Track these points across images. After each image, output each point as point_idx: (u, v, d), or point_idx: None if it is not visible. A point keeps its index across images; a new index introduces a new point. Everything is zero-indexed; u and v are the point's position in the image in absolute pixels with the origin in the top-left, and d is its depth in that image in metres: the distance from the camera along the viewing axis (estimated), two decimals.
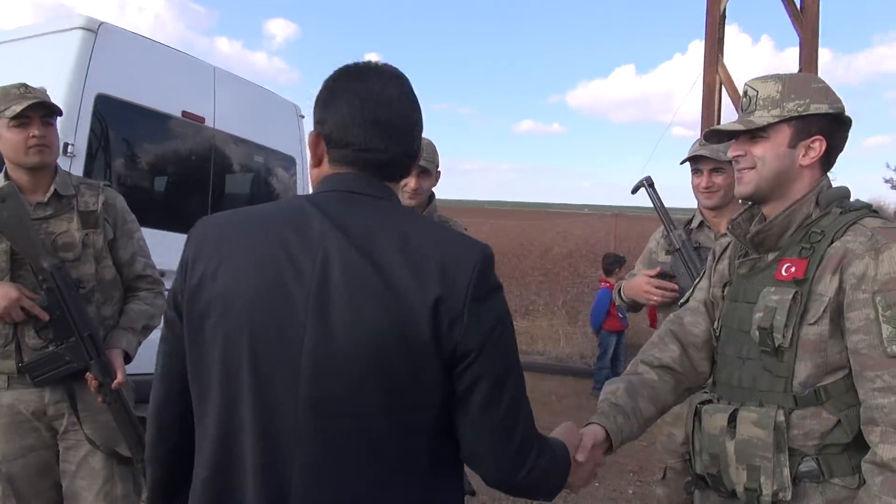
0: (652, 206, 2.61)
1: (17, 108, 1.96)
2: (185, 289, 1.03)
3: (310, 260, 0.96)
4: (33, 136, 1.98)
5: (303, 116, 5.05)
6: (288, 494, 0.94)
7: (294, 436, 0.94)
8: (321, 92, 1.08)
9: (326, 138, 1.06)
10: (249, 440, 0.96)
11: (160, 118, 3.98)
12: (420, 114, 1.10)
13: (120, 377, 1.94)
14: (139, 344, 2.11)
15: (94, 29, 3.64)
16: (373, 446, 0.94)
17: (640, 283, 2.47)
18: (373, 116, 1.03)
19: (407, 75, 1.10)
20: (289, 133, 4.92)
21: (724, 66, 6.08)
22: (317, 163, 1.08)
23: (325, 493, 0.94)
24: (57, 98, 3.60)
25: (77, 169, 3.40)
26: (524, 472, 1.02)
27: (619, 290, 2.63)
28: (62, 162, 3.53)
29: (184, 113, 4.09)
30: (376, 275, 0.93)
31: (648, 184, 2.63)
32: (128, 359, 2.04)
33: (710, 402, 1.44)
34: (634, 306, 2.64)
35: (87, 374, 1.91)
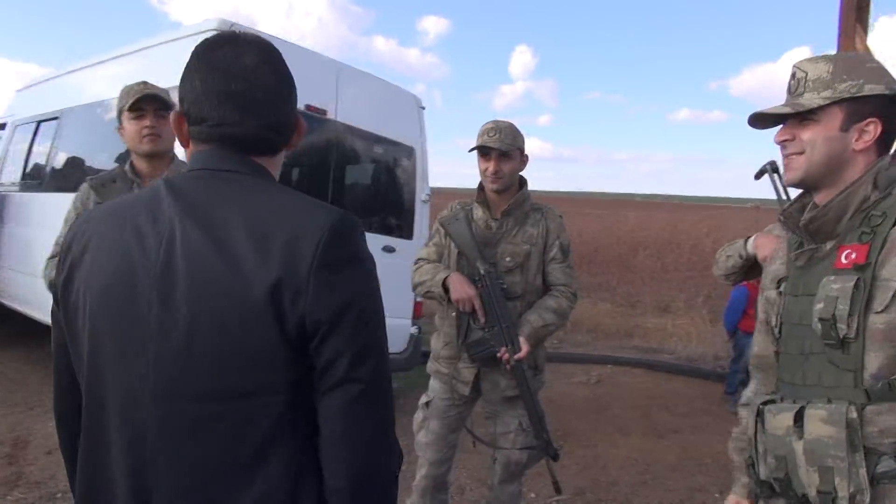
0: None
1: (132, 100, 2.21)
2: (59, 284, 1.01)
3: (156, 241, 0.93)
4: (146, 126, 2.21)
5: (423, 108, 5.13)
6: (149, 486, 0.91)
7: (150, 426, 0.91)
8: (184, 69, 1.01)
9: (186, 116, 1.01)
10: (114, 432, 0.94)
11: None
12: (288, 84, 1.03)
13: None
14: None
15: (227, 30, 3.94)
16: (224, 434, 0.89)
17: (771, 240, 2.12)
18: (224, 87, 0.97)
19: (278, 47, 1.03)
20: (409, 124, 5.03)
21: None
22: (185, 143, 1.03)
23: (180, 481, 0.91)
24: None
25: None
26: (382, 460, 0.95)
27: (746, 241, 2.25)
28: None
29: (308, 106, 4.31)
30: (217, 253, 0.89)
31: (772, 169, 2.36)
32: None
33: (772, 401, 1.33)
34: (745, 272, 2.27)
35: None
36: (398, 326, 4.88)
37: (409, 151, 5.00)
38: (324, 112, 4.41)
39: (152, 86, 2.28)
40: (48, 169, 5.37)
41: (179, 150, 3.15)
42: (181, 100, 1.01)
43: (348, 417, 0.91)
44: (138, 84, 2.27)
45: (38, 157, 5.67)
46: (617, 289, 10.74)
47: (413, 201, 5.01)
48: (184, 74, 1.00)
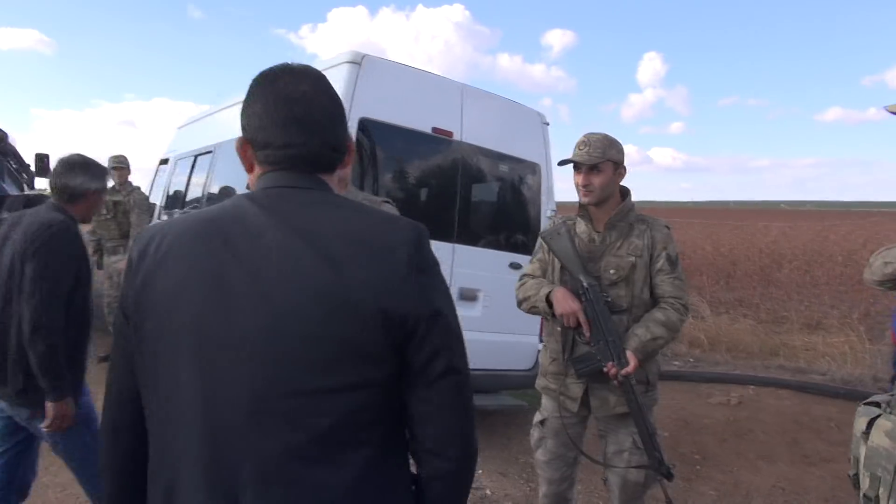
0: None
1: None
2: (130, 293, 1.04)
3: (252, 251, 0.98)
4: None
5: (547, 124, 5.14)
6: (239, 489, 0.94)
7: (244, 428, 0.95)
8: (244, 99, 1.10)
9: (251, 142, 1.09)
10: (195, 438, 0.97)
11: (413, 135, 4.40)
12: (340, 107, 1.13)
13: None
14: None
15: (358, 61, 4.17)
16: (323, 429, 0.95)
17: None
18: (288, 113, 1.06)
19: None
20: (533, 141, 5.05)
21: None
22: (249, 167, 1.12)
23: (278, 481, 0.94)
24: None
25: None
26: (476, 443, 1.08)
27: None
28: None
29: (434, 129, 4.47)
30: (318, 259, 0.96)
31: None
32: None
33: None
34: None
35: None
36: (525, 343, 4.89)
37: (534, 168, 5.02)
38: (450, 134, 4.54)
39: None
40: (204, 199, 5.90)
41: None
42: (244, 128, 1.11)
43: (457, 405, 1.03)
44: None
45: (196, 187, 6.25)
46: (759, 304, 10.07)
47: (538, 217, 5.01)
48: (244, 105, 1.10)
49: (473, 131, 4.64)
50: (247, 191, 1.11)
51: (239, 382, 0.96)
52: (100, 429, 1.13)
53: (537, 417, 2.67)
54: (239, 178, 5.51)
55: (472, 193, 4.82)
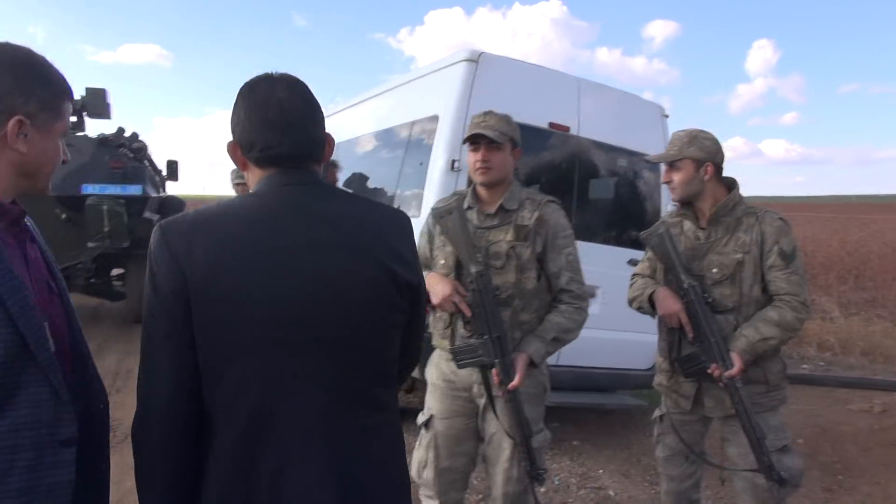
0: None
1: (468, 134, 2.40)
2: (188, 284, 1.12)
3: (295, 237, 1.18)
4: (477, 161, 2.35)
5: (667, 116, 4.96)
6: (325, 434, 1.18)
7: (316, 377, 1.18)
8: (233, 106, 1.27)
9: (239, 144, 1.26)
10: (284, 397, 1.17)
11: (530, 131, 4.35)
12: (315, 109, 1.28)
13: (516, 380, 2.15)
14: (547, 353, 2.30)
15: (475, 59, 4.20)
16: (367, 360, 1.24)
17: None
18: (264, 117, 1.22)
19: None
20: (653, 134, 4.89)
21: None
22: (242, 166, 1.29)
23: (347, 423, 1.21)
24: (445, 121, 4.28)
25: (462, 182, 3.96)
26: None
27: None
28: (450, 177, 4.19)
29: (551, 124, 4.42)
30: (349, 240, 1.22)
31: None
32: (532, 364, 2.25)
33: None
34: None
35: (493, 369, 2.20)
36: (645, 342, 4.72)
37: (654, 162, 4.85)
38: (566, 128, 4.47)
39: (490, 119, 2.38)
40: None
41: (449, 176, 3.42)
42: (232, 132, 1.27)
43: (420, 338, 1.46)
44: (479, 115, 2.41)
45: None
46: None
47: (658, 213, 4.84)
48: (232, 111, 1.26)
49: (590, 125, 4.55)
50: (255, 189, 1.26)
51: (315, 350, 1.18)
52: (150, 409, 1.16)
53: (656, 413, 2.62)
54: (353, 175, 5.70)
55: (590, 188, 4.73)
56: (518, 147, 2.42)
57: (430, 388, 2.54)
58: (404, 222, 1.33)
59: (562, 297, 2.35)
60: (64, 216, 6.75)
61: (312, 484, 1.15)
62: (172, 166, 8.51)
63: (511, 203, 2.36)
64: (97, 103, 8.51)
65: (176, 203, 8.06)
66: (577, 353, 4.04)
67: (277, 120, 1.22)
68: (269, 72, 1.27)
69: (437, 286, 2.28)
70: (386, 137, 5.33)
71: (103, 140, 7.56)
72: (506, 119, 2.38)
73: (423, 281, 1.37)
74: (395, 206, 4.71)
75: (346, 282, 1.19)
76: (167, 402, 1.15)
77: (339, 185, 7.50)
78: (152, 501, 1.18)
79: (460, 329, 2.32)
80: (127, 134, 7.88)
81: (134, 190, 7.19)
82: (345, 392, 1.20)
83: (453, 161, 4.08)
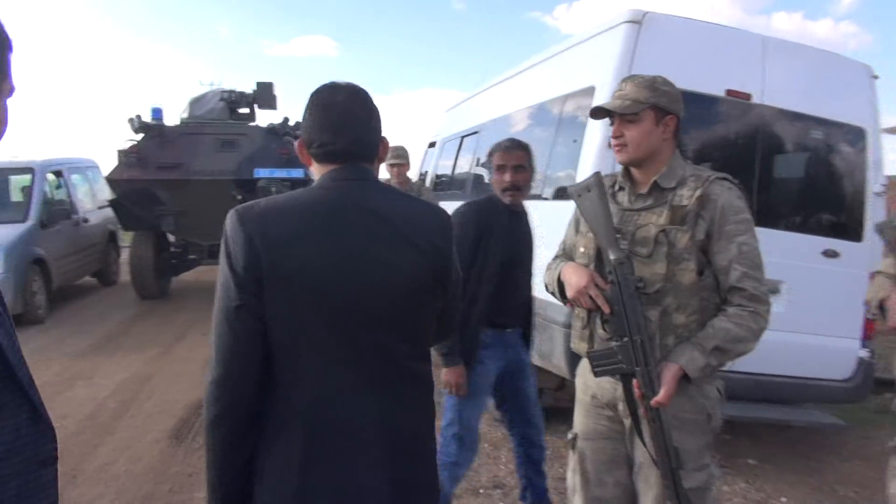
0: None
1: (591, 109, 2.05)
2: (261, 262, 1.27)
3: (355, 231, 1.34)
4: (613, 136, 1.98)
5: (876, 77, 4.12)
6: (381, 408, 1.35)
7: (375, 347, 1.35)
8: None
9: (304, 142, 1.43)
10: (342, 370, 1.32)
11: (702, 100, 3.78)
12: (371, 112, 1.44)
13: (661, 395, 1.76)
14: (707, 367, 1.82)
15: (638, 20, 3.69)
16: (413, 336, 1.42)
17: None
18: (324, 119, 1.40)
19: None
20: (857, 100, 4.08)
21: None
22: (307, 162, 1.46)
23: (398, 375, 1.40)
24: (603, 93, 3.82)
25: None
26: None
27: None
28: (607, 155, 3.73)
29: (728, 91, 3.81)
30: (398, 233, 1.37)
31: None
32: (686, 379, 1.81)
33: None
34: None
35: (634, 380, 1.83)
36: (842, 349, 3.99)
37: (858, 133, 4.05)
38: (747, 96, 3.83)
39: (621, 92, 2.00)
40: (471, 178, 5.87)
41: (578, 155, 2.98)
42: (302, 130, 1.45)
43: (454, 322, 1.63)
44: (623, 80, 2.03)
45: (463, 167, 6.27)
46: None
47: (862, 194, 4.05)
48: (303, 115, 1.44)
49: (778, 91, 3.87)
50: (317, 181, 1.42)
51: (369, 327, 1.34)
52: (223, 378, 1.29)
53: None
54: None
55: (775, 166, 4.05)
56: (673, 114, 1.94)
57: (576, 401, 2.20)
58: (443, 217, 1.49)
59: (732, 297, 1.86)
60: (239, 197, 7.57)
61: (364, 464, 1.32)
62: None
63: (668, 180, 1.93)
64: (266, 96, 9.56)
65: None
66: (757, 357, 3.43)
67: (334, 121, 1.39)
68: (335, 80, 1.46)
69: (572, 277, 1.94)
70: (538, 113, 4.93)
71: (271, 129, 8.66)
72: (648, 83, 1.93)
73: (455, 275, 1.49)
74: (543, 188, 4.33)
75: (392, 269, 1.35)
76: (239, 364, 1.29)
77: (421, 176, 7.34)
78: (222, 451, 1.32)
79: (599, 329, 1.95)
80: (291, 123, 8.78)
81: (297, 173, 8.06)
82: (388, 368, 1.37)
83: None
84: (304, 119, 1.42)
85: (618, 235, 1.90)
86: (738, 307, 1.85)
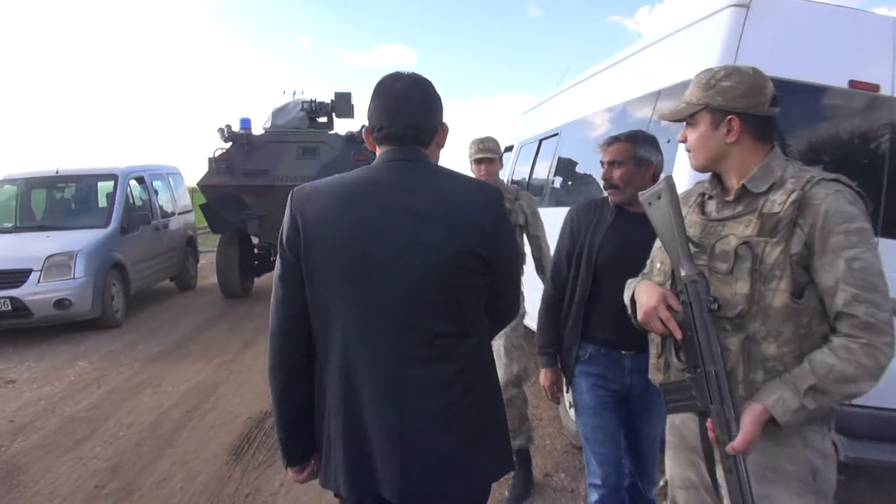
0: None
1: None
2: (300, 236, 1.45)
3: (383, 208, 1.43)
4: (679, 140, 1.74)
5: None
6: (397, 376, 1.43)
7: (407, 315, 1.42)
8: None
9: (370, 128, 1.56)
10: (367, 335, 1.44)
11: (821, 92, 3.28)
12: (427, 99, 1.53)
13: (738, 440, 1.41)
14: (802, 411, 1.44)
15: (745, 3, 3.24)
16: (449, 312, 1.45)
17: None
18: (383, 104, 1.51)
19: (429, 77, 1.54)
20: None
21: None
22: (371, 145, 1.58)
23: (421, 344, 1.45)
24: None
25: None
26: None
27: None
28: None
29: (851, 82, 3.29)
30: (428, 210, 1.43)
31: None
32: (774, 422, 1.45)
33: None
34: None
35: (708, 420, 1.49)
36: None
37: None
38: (875, 87, 3.30)
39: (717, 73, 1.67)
40: (550, 181, 5.49)
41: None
42: (367, 117, 1.56)
43: (513, 300, 1.70)
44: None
45: (541, 170, 5.90)
46: None
47: None
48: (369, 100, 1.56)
49: None
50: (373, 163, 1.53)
51: (392, 296, 1.42)
52: (275, 336, 1.52)
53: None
54: (586, 157, 4.97)
55: None
56: (734, 113, 1.60)
57: (666, 442, 1.89)
58: (489, 195, 1.49)
59: (840, 325, 1.44)
60: None
61: (379, 409, 1.43)
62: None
63: (759, 184, 1.58)
64: (343, 105, 10.07)
65: None
66: (881, 389, 2.93)
67: (391, 107, 1.49)
68: (400, 71, 1.54)
69: (643, 296, 1.66)
70: (626, 112, 4.51)
71: (350, 137, 9.15)
72: (705, 81, 1.65)
73: (503, 254, 1.49)
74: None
75: (419, 245, 1.40)
76: (283, 323, 1.50)
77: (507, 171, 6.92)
78: (278, 394, 1.55)
79: (674, 358, 1.64)
80: None
81: None
82: (408, 341, 1.41)
83: None
84: (368, 106, 1.54)
85: (696, 250, 1.61)
86: (847, 338, 1.43)
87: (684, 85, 3.60)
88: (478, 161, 3.49)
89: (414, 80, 1.51)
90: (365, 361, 1.42)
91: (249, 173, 8.71)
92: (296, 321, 1.48)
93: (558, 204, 4.97)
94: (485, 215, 1.43)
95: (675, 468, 1.82)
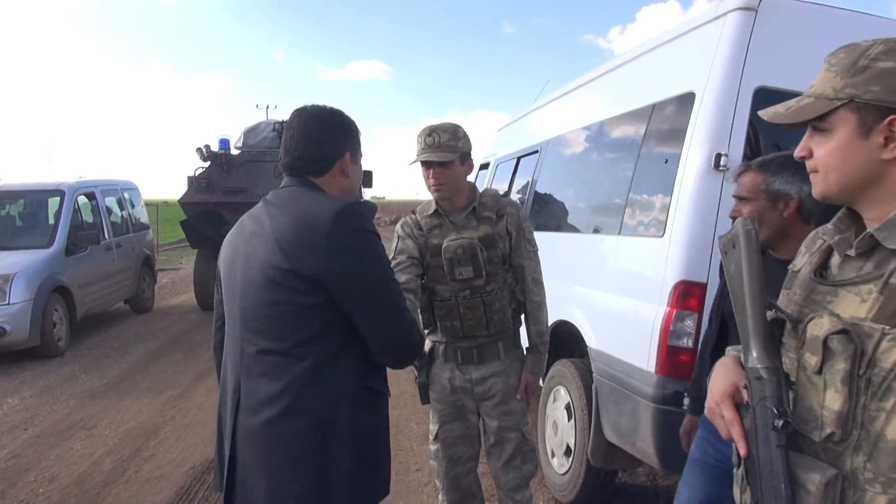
0: None
1: None
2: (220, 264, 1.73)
3: (247, 232, 1.61)
4: (798, 155, 1.22)
5: None
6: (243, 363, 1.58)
7: (242, 329, 1.58)
8: None
9: None
10: (231, 336, 1.64)
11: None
12: (323, 133, 1.65)
13: None
14: None
15: (753, 6, 2.85)
16: (284, 327, 1.52)
17: None
18: (284, 137, 1.68)
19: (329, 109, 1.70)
20: None
21: None
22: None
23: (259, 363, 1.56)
24: (707, 99, 2.98)
25: (730, 187, 2.63)
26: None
27: None
28: (712, 178, 2.90)
29: None
30: (272, 236, 1.52)
31: None
32: None
33: None
34: None
35: None
36: None
37: None
38: None
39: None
40: (530, 198, 5.06)
41: (710, 178, 2.11)
42: None
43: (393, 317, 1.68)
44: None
45: (519, 187, 5.47)
46: None
47: None
48: None
49: None
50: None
51: (235, 308, 1.60)
52: (215, 329, 1.79)
53: None
54: (570, 175, 4.56)
55: None
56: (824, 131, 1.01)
57: None
58: (333, 215, 1.48)
59: None
60: None
61: (229, 416, 1.58)
62: (367, 175, 9.39)
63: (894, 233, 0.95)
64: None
65: (369, 206, 8.24)
66: None
67: (286, 140, 1.66)
68: (310, 105, 1.70)
69: (716, 379, 1.12)
70: (606, 131, 4.09)
71: None
72: (851, 60, 1.01)
73: (337, 273, 1.46)
74: (623, 218, 3.49)
75: (252, 267, 1.53)
76: (215, 335, 1.79)
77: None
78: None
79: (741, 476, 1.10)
80: None
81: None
82: (244, 355, 1.54)
83: (718, 156, 2.78)
84: None
85: (789, 326, 1.07)
86: None
87: (682, 98, 3.25)
88: (424, 165, 2.41)
89: (313, 113, 1.66)
90: (227, 372, 1.62)
91: (229, 191, 9.21)
92: (220, 335, 1.74)
93: (538, 228, 4.54)
94: (318, 234, 1.46)
95: None
